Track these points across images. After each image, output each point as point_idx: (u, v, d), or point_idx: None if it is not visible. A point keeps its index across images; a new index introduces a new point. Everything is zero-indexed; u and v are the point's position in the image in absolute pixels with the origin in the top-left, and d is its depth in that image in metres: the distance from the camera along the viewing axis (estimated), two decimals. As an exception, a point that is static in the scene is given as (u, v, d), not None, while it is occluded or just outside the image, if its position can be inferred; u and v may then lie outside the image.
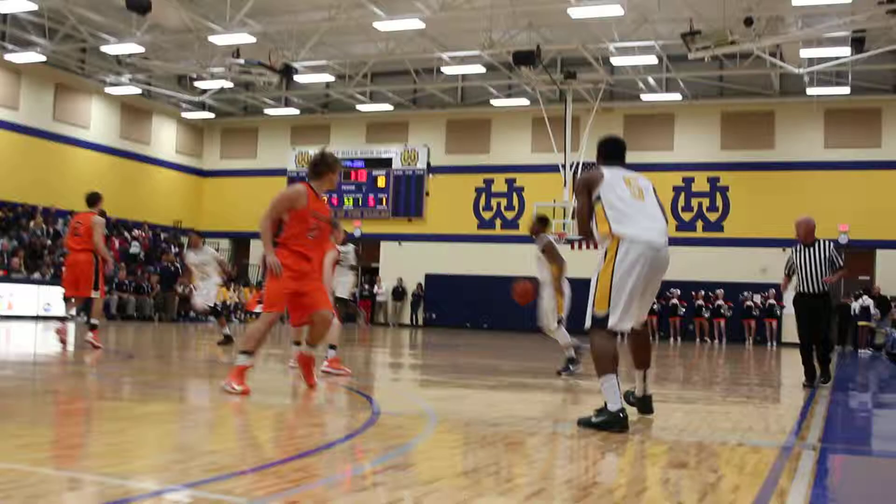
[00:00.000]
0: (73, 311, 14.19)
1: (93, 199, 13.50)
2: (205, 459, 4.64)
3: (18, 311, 24.75)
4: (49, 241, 30.22)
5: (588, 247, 6.59)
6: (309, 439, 5.65)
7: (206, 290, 16.41)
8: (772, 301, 30.75)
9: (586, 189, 6.59)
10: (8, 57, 30.44)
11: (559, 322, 11.43)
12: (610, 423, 6.22)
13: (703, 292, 31.73)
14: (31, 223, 30.62)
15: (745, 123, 33.19)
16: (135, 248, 33.35)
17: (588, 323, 6.47)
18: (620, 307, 6.31)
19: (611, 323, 6.32)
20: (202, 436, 5.62)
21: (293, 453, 4.97)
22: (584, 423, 6.41)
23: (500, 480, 4.42)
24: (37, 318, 24.67)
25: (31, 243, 29.12)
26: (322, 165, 7.98)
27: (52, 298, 25.47)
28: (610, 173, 6.61)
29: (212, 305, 16.57)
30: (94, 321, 13.62)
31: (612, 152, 6.96)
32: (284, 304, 7.89)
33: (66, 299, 13.67)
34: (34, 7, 26.63)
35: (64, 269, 14.12)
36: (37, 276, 26.88)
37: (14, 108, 31.62)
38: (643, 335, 6.96)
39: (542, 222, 11.81)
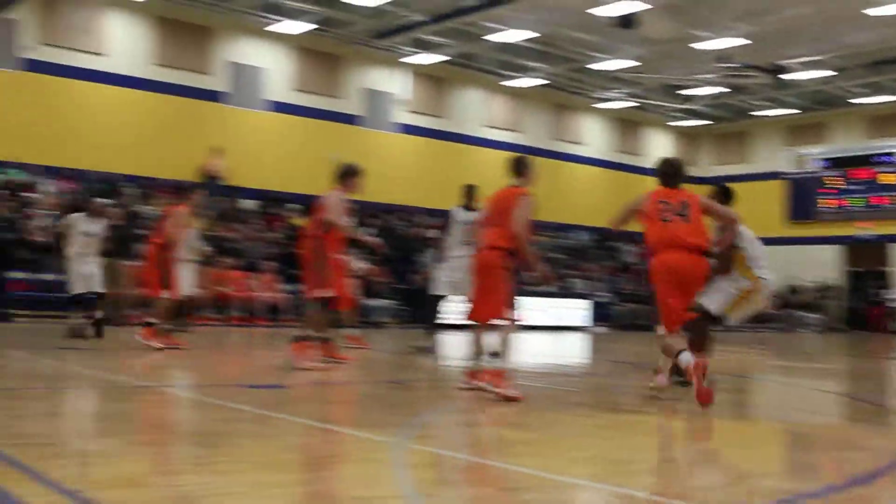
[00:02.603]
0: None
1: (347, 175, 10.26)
2: (759, 483, 4.64)
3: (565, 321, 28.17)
4: (561, 256, 31.95)
5: None
6: (859, 465, 5.44)
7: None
8: None
9: None
10: (508, 83, 32.84)
11: None
12: None
13: None
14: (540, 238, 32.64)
15: None
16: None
17: None
18: None
19: None
20: (743, 456, 5.62)
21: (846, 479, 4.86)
22: None
23: None
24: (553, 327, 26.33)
25: (546, 258, 31.00)
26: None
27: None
28: None
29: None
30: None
31: None
32: None
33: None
34: (533, 35, 28.26)
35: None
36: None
37: (518, 131, 33.99)
38: None
39: None
